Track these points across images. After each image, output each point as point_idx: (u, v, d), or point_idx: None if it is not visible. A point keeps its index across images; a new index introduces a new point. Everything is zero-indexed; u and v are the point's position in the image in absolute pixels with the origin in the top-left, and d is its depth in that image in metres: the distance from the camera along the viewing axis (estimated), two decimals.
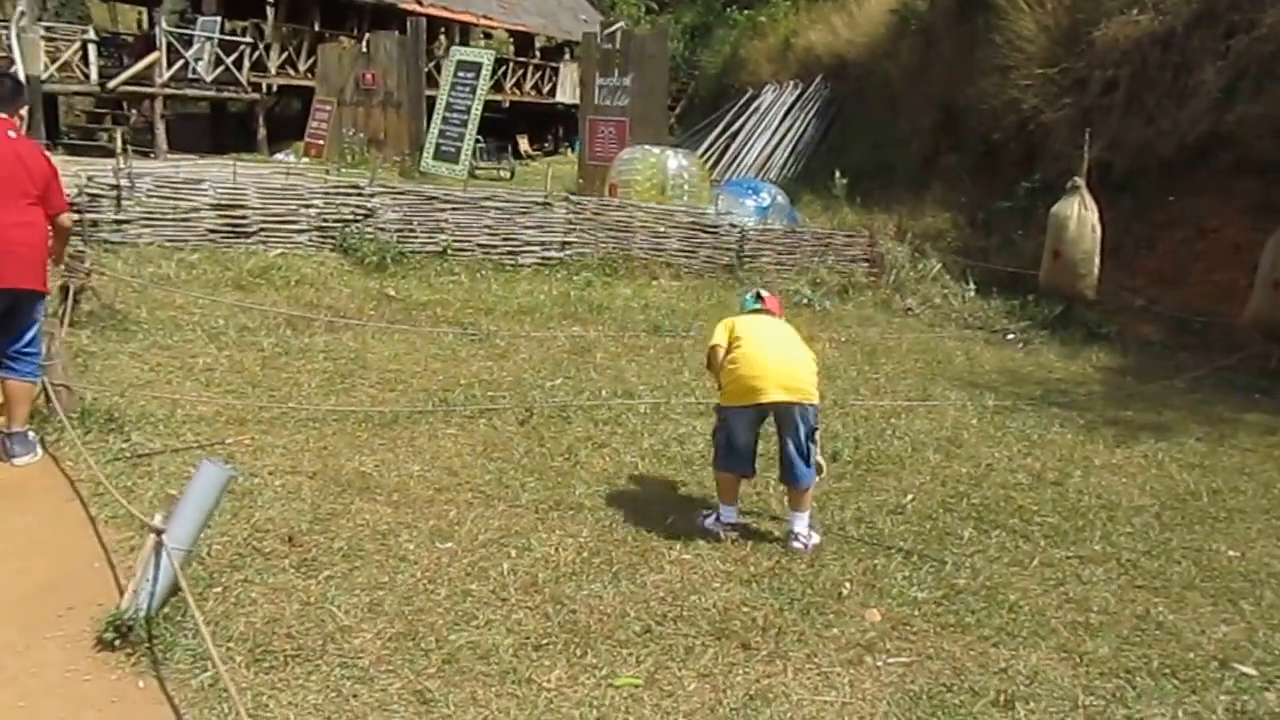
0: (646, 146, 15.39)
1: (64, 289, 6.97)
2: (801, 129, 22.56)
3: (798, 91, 23.18)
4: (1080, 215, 10.88)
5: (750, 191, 15.13)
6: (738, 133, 23.85)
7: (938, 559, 4.71)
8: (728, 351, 4.88)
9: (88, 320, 7.35)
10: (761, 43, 26.66)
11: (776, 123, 23.27)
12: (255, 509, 4.62)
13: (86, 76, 21.21)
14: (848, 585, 4.35)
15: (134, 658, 3.42)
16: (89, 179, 9.99)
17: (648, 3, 35.64)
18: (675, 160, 14.82)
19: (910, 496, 5.55)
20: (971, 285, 12.41)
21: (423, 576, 4.13)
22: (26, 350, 5.14)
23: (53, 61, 20.49)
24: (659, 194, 14.00)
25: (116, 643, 3.45)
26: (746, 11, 30.10)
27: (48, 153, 5.40)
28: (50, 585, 3.91)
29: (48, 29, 21.45)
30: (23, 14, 20.61)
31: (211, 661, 3.17)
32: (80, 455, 4.94)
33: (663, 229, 12.17)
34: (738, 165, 22.57)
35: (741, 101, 24.35)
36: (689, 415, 6.67)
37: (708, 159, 21.75)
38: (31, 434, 5.19)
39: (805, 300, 11.55)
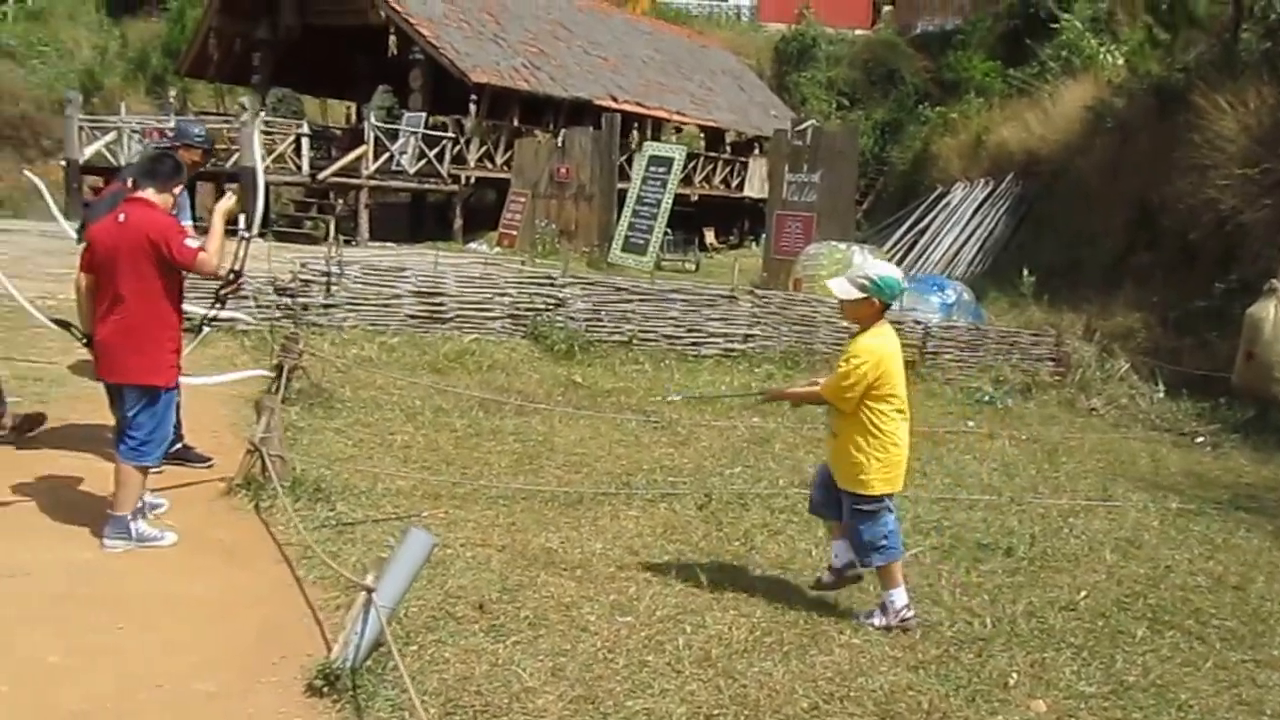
0: (833, 242, 15.57)
1: (278, 368, 7.53)
2: (991, 226, 22.37)
3: (989, 188, 23.04)
4: (1277, 318, 10.53)
5: (935, 288, 15.10)
6: (925, 229, 23.80)
7: (1108, 655, 4.67)
8: (880, 417, 4.68)
9: (297, 397, 7.88)
10: (953, 139, 26.66)
11: (965, 219, 23.14)
12: (448, 577, 4.90)
13: (298, 168, 22.71)
14: (1015, 675, 4.38)
15: (339, 704, 3.70)
16: (302, 265, 10.75)
17: (839, 99, 36.05)
18: (860, 256, 14.90)
19: (1084, 594, 5.50)
20: (1160, 386, 12.07)
21: (602, 646, 4.32)
22: (130, 433, 5.16)
23: (269, 154, 22.05)
24: None
25: (325, 690, 3.74)
26: (938, 108, 30.19)
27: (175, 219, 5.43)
28: (264, 636, 4.25)
29: (266, 124, 23.10)
30: (244, 108, 22.31)
31: (411, 711, 3.41)
32: (290, 521, 5.32)
33: (846, 324, 12.25)
34: (924, 261, 22.49)
35: (931, 198, 24.34)
36: None
37: (894, 255, 21.76)
38: (137, 524, 5.20)
39: (987, 398, 11.44)
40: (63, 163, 24.57)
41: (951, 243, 22.84)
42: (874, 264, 4.97)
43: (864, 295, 4.68)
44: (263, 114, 21.18)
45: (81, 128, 23.51)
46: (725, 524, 6.14)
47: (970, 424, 10.16)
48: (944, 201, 23.93)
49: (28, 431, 6.57)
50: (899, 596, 4.82)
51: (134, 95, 32.95)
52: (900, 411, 4.74)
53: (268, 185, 22.93)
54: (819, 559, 5.67)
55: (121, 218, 5.07)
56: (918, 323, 12.68)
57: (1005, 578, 5.64)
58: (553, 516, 6.07)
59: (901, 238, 23.90)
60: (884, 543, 4.79)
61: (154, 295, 5.13)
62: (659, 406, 9.12)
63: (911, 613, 4.82)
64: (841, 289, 4.76)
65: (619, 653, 4.28)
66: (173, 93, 28.87)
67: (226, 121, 22.51)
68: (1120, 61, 21.99)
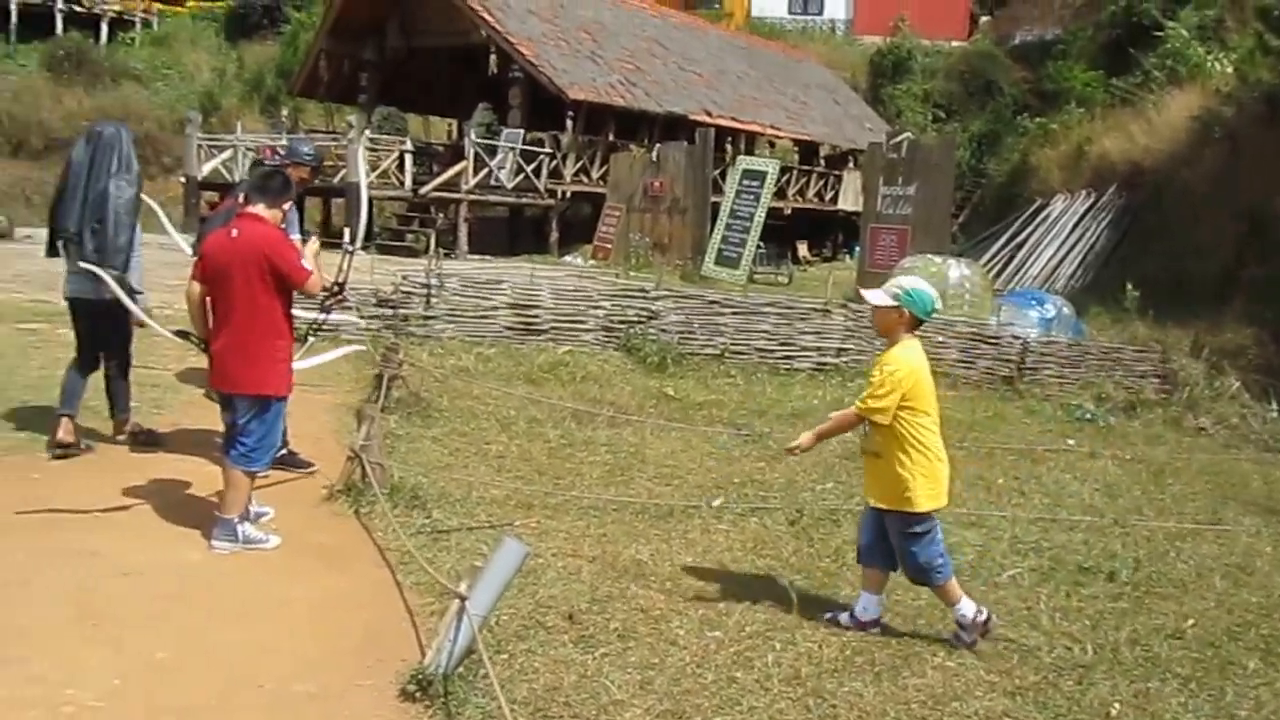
0: (928, 255, 15.41)
1: (379, 377, 7.72)
2: (1092, 239, 21.96)
3: (1090, 200, 22.63)
4: None
5: (1034, 302, 14.87)
6: (1024, 242, 23.43)
7: (1217, 688, 4.53)
8: (920, 430, 4.63)
9: (397, 406, 8.06)
10: (1053, 150, 26.24)
11: (1066, 232, 22.75)
12: (539, 587, 4.97)
13: (401, 183, 23.17)
14: (1117, 706, 4.27)
15: (431, 710, 3.78)
16: (404, 278, 10.98)
17: (935, 111, 35.67)
18: (957, 270, 14.78)
19: (1192, 622, 5.34)
20: (1274, 406, 11.72)
21: (691, 660, 4.34)
22: (241, 440, 5.31)
23: (373, 170, 22.54)
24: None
25: (417, 694, 3.83)
26: (1038, 119, 29.71)
27: (290, 237, 5.73)
28: (362, 640, 4.35)
29: (372, 141, 23.62)
30: (351, 127, 22.84)
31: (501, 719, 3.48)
32: (390, 527, 5.45)
33: (941, 339, 12.13)
34: (1022, 275, 22.15)
35: (1030, 211, 23.96)
36: (959, 525, 6.64)
37: (991, 269, 21.47)
38: (244, 527, 5.36)
39: (1089, 415, 11.22)
40: (182, 179, 25.54)
41: (1051, 256, 22.45)
42: (911, 278, 4.91)
43: (894, 304, 4.65)
44: (367, 132, 21.66)
45: (200, 146, 24.39)
46: (816, 540, 6.12)
47: (1071, 442, 9.97)
48: (1043, 214, 23.54)
49: (144, 444, 6.83)
50: (969, 607, 4.74)
51: (249, 115, 33.98)
52: (936, 425, 4.72)
53: (371, 200, 23.59)
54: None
55: (235, 233, 5.23)
56: (1015, 338, 12.50)
57: (1108, 603, 5.51)
58: (643, 528, 6.11)
59: (999, 251, 23.57)
60: (940, 562, 4.73)
61: (266, 308, 5.30)
62: (750, 420, 9.12)
63: (985, 614, 4.75)
64: (874, 296, 4.76)
65: (708, 668, 4.29)
66: (285, 112, 29.72)
67: (334, 139, 23.08)
68: (1229, 69, 21.46)
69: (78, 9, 40.54)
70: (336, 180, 21.01)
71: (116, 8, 41.59)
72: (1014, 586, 5.62)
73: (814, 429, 4.99)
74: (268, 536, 5.42)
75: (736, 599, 5.08)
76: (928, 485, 4.63)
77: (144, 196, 6.88)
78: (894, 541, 4.73)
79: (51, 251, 6.67)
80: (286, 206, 5.58)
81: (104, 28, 40.64)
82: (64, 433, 6.47)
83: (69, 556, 5.01)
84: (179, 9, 43.84)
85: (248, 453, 5.33)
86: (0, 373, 8.29)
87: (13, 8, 39.01)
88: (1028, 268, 22.63)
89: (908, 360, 4.63)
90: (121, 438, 6.86)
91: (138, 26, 41.86)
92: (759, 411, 9.63)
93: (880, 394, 4.56)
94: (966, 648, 4.70)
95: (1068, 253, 22.32)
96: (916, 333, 4.75)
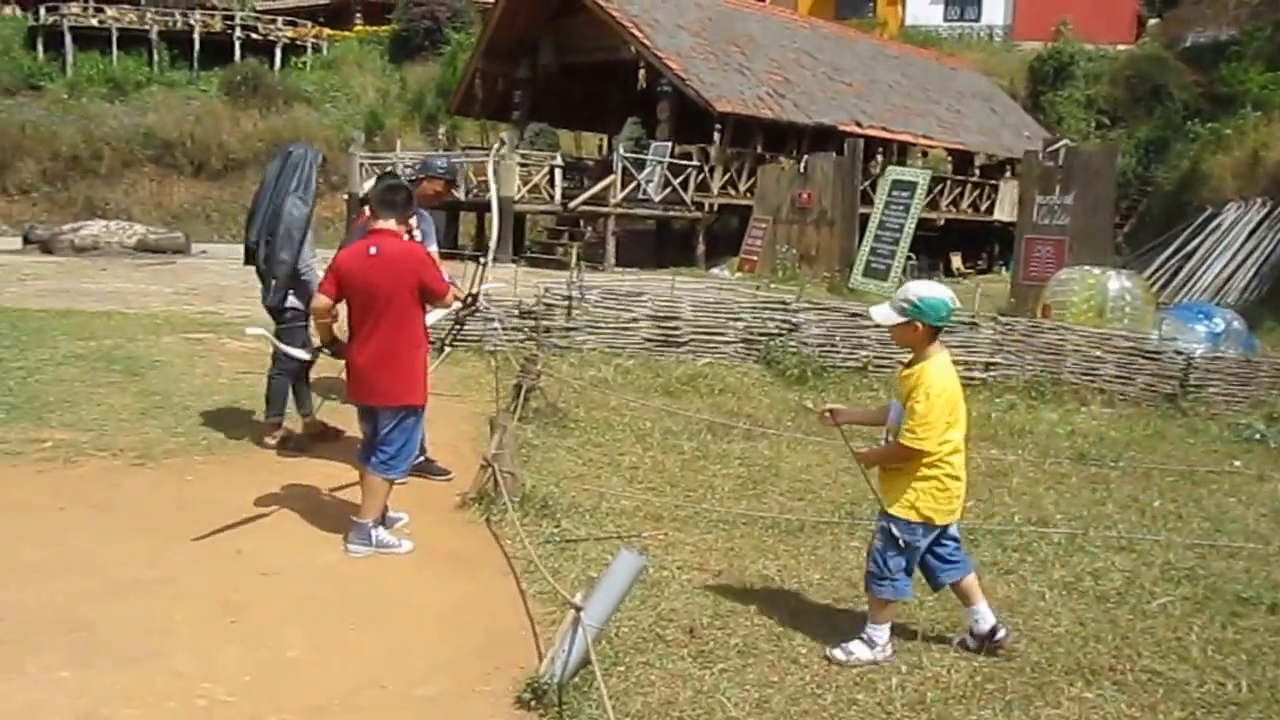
0: (1086, 267, 14.90)
1: (517, 387, 7.84)
2: (1269, 249, 20.98)
3: (1266, 208, 21.60)
4: None
5: (1201, 316, 14.22)
6: (1193, 252, 22.50)
7: None
8: (945, 446, 4.43)
9: (534, 416, 8.17)
10: (1225, 156, 25.14)
11: (1239, 242, 21.79)
12: (662, 599, 4.98)
13: (551, 197, 23.56)
14: None
15: (545, 718, 3.82)
16: (546, 290, 11.16)
17: (1098, 118, 34.55)
18: (1117, 281, 14.24)
19: None
20: None
21: (811, 680, 4.28)
22: (382, 448, 5.46)
23: (524, 184, 22.99)
24: (1096, 316, 13.49)
25: (532, 703, 3.87)
26: (1210, 124, 28.51)
27: (428, 251, 5.97)
28: (483, 646, 4.43)
29: (523, 156, 24.10)
30: (503, 143, 23.35)
31: None
32: (518, 535, 5.52)
33: (1098, 353, 11.72)
34: (1191, 288, 21.29)
35: (1200, 219, 23.00)
36: (1108, 549, 6.38)
37: (1155, 280, 20.68)
38: (378, 531, 5.51)
39: (1258, 436, 10.65)
40: (345, 196, 26.55)
41: (1222, 267, 21.51)
42: (918, 285, 4.58)
43: (905, 319, 4.42)
44: (505, 148, 22.13)
45: (362, 164, 25.35)
46: None
47: (1237, 464, 9.46)
48: (1215, 223, 22.57)
49: (293, 449, 7.11)
50: (885, 634, 4.55)
51: (410, 133, 35.12)
52: (962, 442, 4.54)
53: (503, 212, 24.05)
54: (1052, 602, 5.42)
55: (374, 250, 5.34)
56: (1179, 353, 11.96)
57: (1268, 636, 5.15)
58: (772, 543, 6.06)
59: (1166, 262, 22.68)
60: (899, 576, 4.53)
61: (408, 322, 5.46)
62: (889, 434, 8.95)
63: (891, 651, 4.53)
64: (883, 314, 4.51)
65: (828, 688, 4.22)
66: (442, 130, 30.58)
67: (487, 155, 23.60)
68: None
69: (254, 36, 42.64)
70: (490, 195, 21.46)
71: (290, 34, 43.58)
72: (1163, 615, 5.35)
73: (854, 412, 5.06)
74: (400, 542, 5.56)
75: (863, 619, 4.98)
76: (944, 501, 4.49)
77: None
78: (874, 538, 4.58)
79: (248, 260, 7.02)
80: (413, 221, 5.74)
81: (278, 53, 42.64)
82: (272, 435, 7.09)
83: (214, 556, 5.24)
84: (347, 34, 45.64)
85: (387, 461, 5.48)
86: (167, 380, 8.72)
87: (196, 37, 41.17)
88: (1197, 280, 21.72)
89: (944, 381, 4.43)
90: (271, 441, 7.17)
91: (309, 51, 43.74)
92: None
93: (930, 422, 4.35)
94: (841, 662, 4.45)
95: (1241, 264, 21.35)
96: (941, 338, 4.53)
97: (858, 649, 4.50)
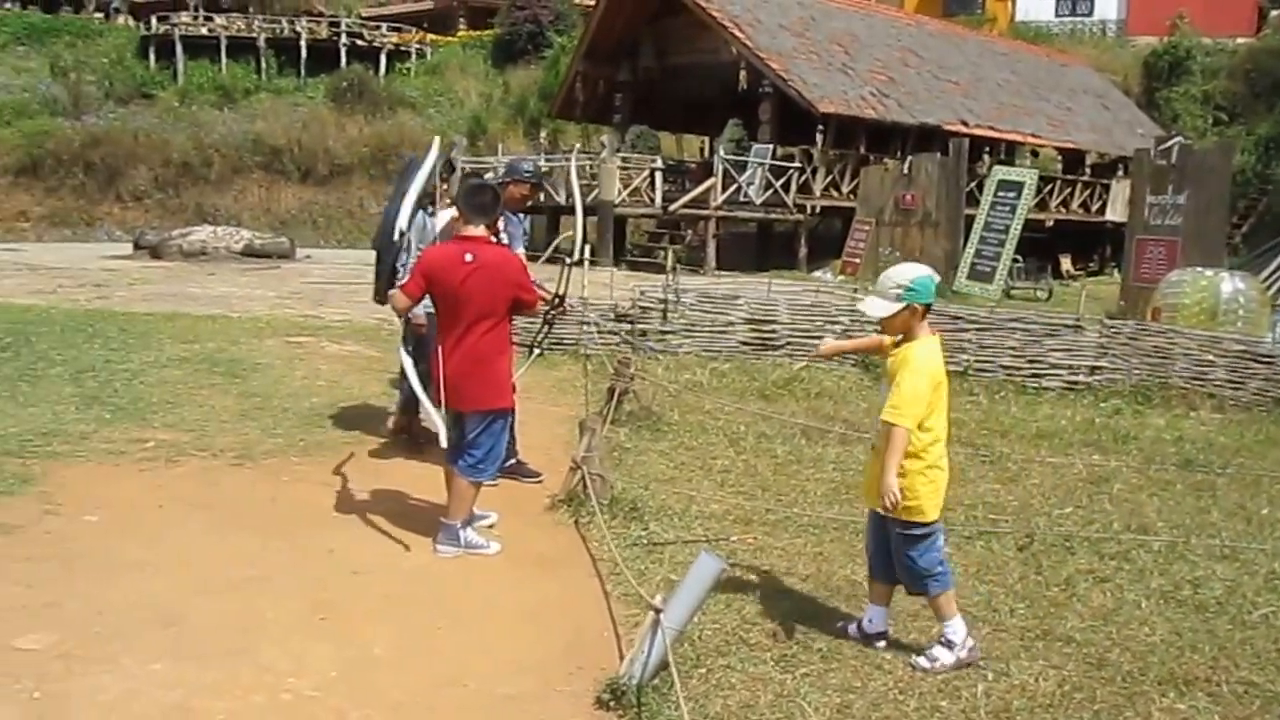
0: (1199, 268, 14.44)
1: (610, 390, 7.86)
2: None
3: None
4: None
5: None
6: None
7: None
8: (928, 434, 4.32)
9: (627, 419, 8.19)
10: None
11: None
12: (747, 603, 4.93)
13: (652, 200, 23.61)
14: None
15: (624, 719, 3.81)
16: (641, 293, 11.17)
17: (1216, 114, 33.48)
18: (1230, 283, 13.75)
19: None
20: None
21: (894, 686, 4.20)
22: (471, 452, 5.49)
23: (625, 188, 23.09)
24: (1208, 319, 13.05)
25: (611, 704, 3.87)
26: None
27: (520, 257, 6.02)
28: (566, 647, 4.44)
29: (624, 159, 24.20)
30: (604, 146, 23.49)
31: None
32: (604, 537, 5.53)
33: (1209, 357, 11.32)
34: None
35: None
36: (1210, 558, 6.15)
37: (1273, 282, 19.91)
38: (466, 532, 5.55)
39: None
40: (448, 201, 26.94)
41: None
42: (901, 269, 4.42)
43: (904, 305, 4.28)
44: (605, 151, 22.26)
45: (464, 168, 25.63)
46: (1046, 568, 5.80)
47: None
48: None
49: (406, 446, 7.30)
50: (960, 627, 4.44)
51: (513, 137, 35.51)
52: (944, 431, 4.43)
53: (622, 218, 24.18)
54: (1148, 611, 5.24)
55: (470, 257, 5.31)
56: None
57: None
58: (861, 549, 5.93)
59: None
60: (940, 569, 4.44)
61: (500, 328, 5.50)
62: (989, 441, 8.77)
63: (974, 643, 4.44)
64: (879, 308, 4.32)
65: (911, 695, 4.14)
66: (544, 133, 30.85)
67: (590, 159, 23.80)
68: None
69: (359, 43, 43.53)
70: (590, 199, 21.60)
71: (394, 40, 44.41)
72: (1265, 626, 5.14)
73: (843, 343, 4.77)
74: (489, 543, 5.60)
75: None
76: (932, 494, 4.38)
77: None
78: (893, 547, 4.47)
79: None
80: (500, 224, 5.78)
81: (383, 59, 43.41)
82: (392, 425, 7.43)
83: (307, 554, 5.35)
84: (450, 39, 46.35)
85: (476, 464, 5.53)
86: (267, 382, 8.94)
87: (302, 44, 42.18)
88: None
89: (932, 361, 4.33)
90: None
91: (413, 57, 44.49)
92: (1000, 431, 9.24)
93: (911, 398, 4.25)
94: (927, 670, 4.34)
95: None
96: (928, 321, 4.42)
97: (940, 654, 4.41)
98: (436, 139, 6.85)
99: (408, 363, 6.30)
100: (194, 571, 4.99)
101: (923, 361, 4.30)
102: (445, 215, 7.77)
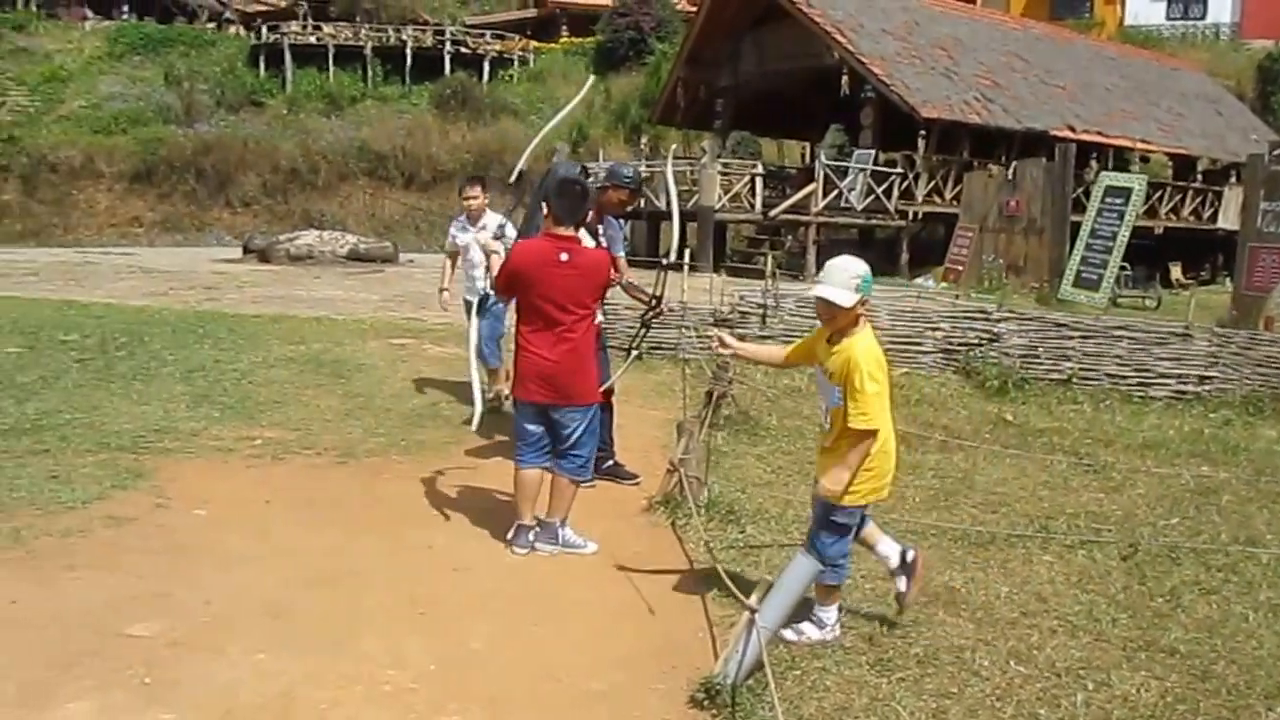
0: None
1: (709, 394, 7.85)
2: None
3: None
4: None
5: None
6: None
7: None
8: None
9: (725, 424, 8.19)
10: None
11: None
12: (842, 606, 4.89)
13: (752, 206, 23.54)
14: None
15: (717, 718, 3.81)
16: (741, 298, 11.16)
17: None
18: None
19: None
20: None
21: (992, 693, 4.13)
22: (576, 453, 5.54)
23: (725, 193, 23.07)
24: None
25: (705, 703, 3.87)
26: None
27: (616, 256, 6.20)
28: (660, 646, 4.46)
29: (724, 165, 24.18)
30: (705, 152, 23.50)
31: None
32: (700, 539, 5.55)
33: None
34: None
35: None
36: None
37: None
38: (564, 530, 5.61)
39: None
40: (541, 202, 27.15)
41: None
42: (852, 261, 4.39)
43: (860, 296, 4.28)
44: (705, 156, 22.25)
45: (551, 169, 25.79)
46: (1150, 578, 5.66)
47: None
48: None
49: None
50: (834, 614, 4.59)
51: (614, 143, 35.71)
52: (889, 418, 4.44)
53: (722, 224, 24.14)
54: (1255, 624, 5.07)
55: (565, 256, 5.35)
56: None
57: None
58: (960, 555, 5.89)
59: None
60: (842, 562, 4.54)
61: (591, 325, 5.59)
62: (1093, 450, 8.58)
63: (839, 633, 4.58)
64: (845, 298, 4.26)
65: (1008, 702, 4.07)
66: (644, 139, 30.98)
67: (690, 164, 23.84)
68: None
69: (463, 50, 44.16)
70: (690, 205, 21.61)
71: (498, 48, 44.95)
72: None
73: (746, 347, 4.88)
74: (586, 542, 5.64)
75: (1051, 633, 4.79)
76: (870, 479, 4.41)
77: None
78: (811, 525, 4.55)
79: None
80: (600, 226, 5.86)
81: (486, 67, 43.95)
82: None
83: (408, 550, 5.46)
84: (553, 46, 46.79)
85: (583, 465, 5.62)
86: (370, 383, 9.13)
87: (408, 52, 42.95)
88: None
89: (880, 353, 4.37)
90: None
91: (515, 64, 44.99)
92: (1105, 441, 9.03)
93: (882, 401, 4.30)
94: (793, 641, 4.45)
95: None
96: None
97: (809, 629, 4.54)
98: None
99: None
100: (298, 565, 5.12)
101: (873, 359, 4.31)
102: (494, 219, 7.99)
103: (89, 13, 48.85)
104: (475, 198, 8.46)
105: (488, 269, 7.36)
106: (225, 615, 4.48)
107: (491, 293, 6.63)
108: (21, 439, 6.82)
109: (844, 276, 4.29)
